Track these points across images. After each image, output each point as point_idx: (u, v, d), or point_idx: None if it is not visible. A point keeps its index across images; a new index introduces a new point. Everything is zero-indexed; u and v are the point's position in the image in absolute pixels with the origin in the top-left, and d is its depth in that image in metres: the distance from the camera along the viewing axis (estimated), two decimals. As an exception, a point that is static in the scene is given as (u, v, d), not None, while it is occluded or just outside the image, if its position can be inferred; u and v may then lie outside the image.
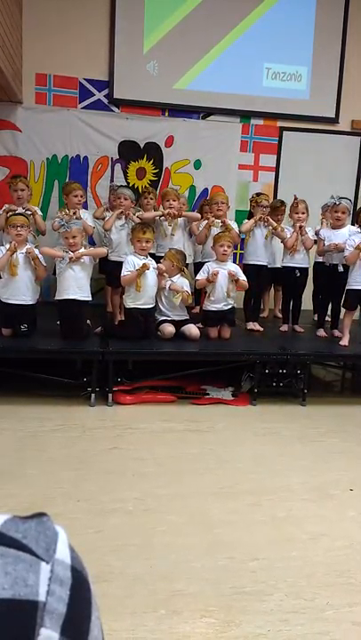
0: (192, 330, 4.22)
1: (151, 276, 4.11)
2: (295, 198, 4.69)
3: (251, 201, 4.86)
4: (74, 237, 3.93)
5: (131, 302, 4.11)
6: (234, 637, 1.80)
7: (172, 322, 4.25)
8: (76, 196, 4.65)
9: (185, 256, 4.46)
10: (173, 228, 4.61)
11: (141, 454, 3.16)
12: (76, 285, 3.94)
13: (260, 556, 2.25)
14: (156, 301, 4.26)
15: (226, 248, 4.27)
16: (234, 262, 4.66)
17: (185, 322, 4.29)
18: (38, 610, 0.35)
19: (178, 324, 4.26)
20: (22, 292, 3.93)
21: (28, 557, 0.37)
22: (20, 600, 0.35)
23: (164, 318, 4.28)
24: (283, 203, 5.18)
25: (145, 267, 4.01)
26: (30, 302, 3.99)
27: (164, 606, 1.92)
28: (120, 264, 4.20)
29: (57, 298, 4.00)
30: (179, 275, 4.31)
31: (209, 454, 3.23)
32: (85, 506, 2.56)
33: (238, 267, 4.48)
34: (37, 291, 4.13)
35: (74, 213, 4.43)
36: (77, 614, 0.37)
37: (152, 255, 4.38)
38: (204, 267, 4.37)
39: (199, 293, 4.74)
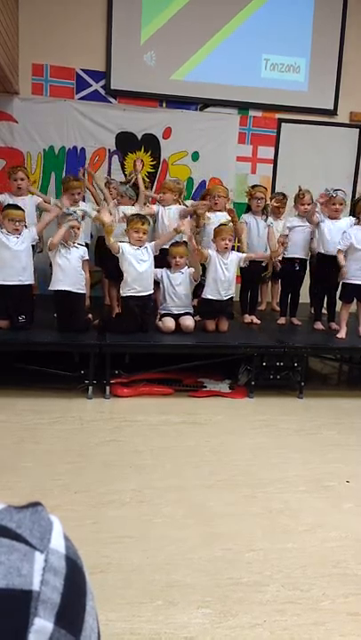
0: (186, 321, 4.22)
1: (148, 266, 4.11)
2: (300, 189, 4.68)
3: (247, 193, 4.85)
4: (78, 229, 4.00)
5: (127, 290, 4.10)
6: (230, 628, 1.81)
7: (174, 315, 4.25)
8: (73, 195, 4.60)
9: (186, 244, 4.46)
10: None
11: (139, 447, 3.17)
12: (70, 277, 3.95)
13: (256, 548, 2.26)
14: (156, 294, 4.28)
15: (227, 242, 4.27)
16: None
17: (185, 314, 4.29)
18: (32, 599, 0.35)
19: (179, 318, 4.26)
20: (19, 272, 3.93)
21: (22, 547, 0.36)
22: (13, 589, 0.34)
23: (167, 312, 4.28)
24: (284, 195, 5.16)
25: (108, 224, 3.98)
26: (28, 282, 3.99)
27: (160, 597, 1.93)
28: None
29: (52, 288, 4.00)
30: (187, 266, 4.32)
31: (206, 447, 3.24)
32: (83, 498, 2.57)
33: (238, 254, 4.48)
34: (32, 272, 4.08)
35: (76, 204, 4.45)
36: (72, 604, 0.37)
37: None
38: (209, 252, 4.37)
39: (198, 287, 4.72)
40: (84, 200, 5.07)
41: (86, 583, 0.40)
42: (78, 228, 4.02)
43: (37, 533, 0.38)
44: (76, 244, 4.05)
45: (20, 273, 3.93)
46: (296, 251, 4.66)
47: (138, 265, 4.06)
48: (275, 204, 4.95)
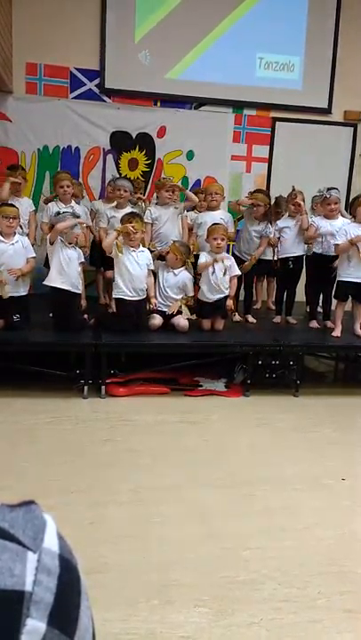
0: (180, 322, 4.22)
1: (140, 268, 4.09)
2: (293, 189, 4.67)
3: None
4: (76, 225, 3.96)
5: (118, 292, 4.08)
6: (227, 626, 1.81)
7: (163, 313, 4.25)
8: (62, 187, 4.51)
9: (189, 249, 4.44)
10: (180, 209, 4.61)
11: (135, 446, 3.17)
12: (69, 276, 3.94)
13: (253, 546, 2.26)
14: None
15: (220, 241, 4.26)
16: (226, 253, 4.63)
17: (178, 314, 4.29)
18: (25, 600, 0.35)
19: (168, 315, 4.26)
20: (14, 284, 3.91)
21: (15, 547, 0.36)
22: (5, 590, 0.34)
23: (155, 309, 4.27)
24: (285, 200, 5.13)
25: (125, 228, 3.97)
26: (23, 294, 4.01)
27: (157, 596, 1.93)
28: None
29: (49, 284, 3.96)
30: (183, 268, 4.31)
31: (203, 445, 3.24)
32: (79, 498, 2.57)
33: (232, 258, 4.47)
34: (28, 282, 4.11)
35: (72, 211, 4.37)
36: (65, 604, 0.37)
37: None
38: (201, 256, 4.35)
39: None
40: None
41: (81, 582, 0.39)
42: (76, 224, 3.96)
43: (30, 533, 0.37)
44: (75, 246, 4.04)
45: (16, 284, 3.92)
46: (288, 250, 4.65)
47: (131, 266, 4.04)
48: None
